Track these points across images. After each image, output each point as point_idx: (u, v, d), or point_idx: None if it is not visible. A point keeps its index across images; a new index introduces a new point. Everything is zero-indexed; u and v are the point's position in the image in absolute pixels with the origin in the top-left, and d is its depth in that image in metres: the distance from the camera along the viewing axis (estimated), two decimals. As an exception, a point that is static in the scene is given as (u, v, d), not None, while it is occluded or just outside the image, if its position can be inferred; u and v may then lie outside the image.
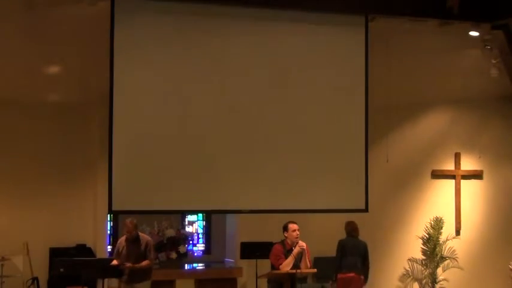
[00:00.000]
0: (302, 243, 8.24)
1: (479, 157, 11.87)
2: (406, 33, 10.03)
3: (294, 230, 8.28)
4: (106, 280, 10.97)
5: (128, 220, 9.00)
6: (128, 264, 8.86)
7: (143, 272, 9.03)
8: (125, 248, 9.00)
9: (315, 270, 9.08)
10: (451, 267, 11.93)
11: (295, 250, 8.16)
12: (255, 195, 9.36)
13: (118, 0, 8.79)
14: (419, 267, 12.06)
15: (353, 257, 9.58)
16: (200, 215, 14.10)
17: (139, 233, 9.18)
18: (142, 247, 9.00)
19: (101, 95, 9.70)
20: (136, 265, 8.90)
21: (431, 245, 11.95)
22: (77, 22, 9.11)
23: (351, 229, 9.68)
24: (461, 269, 11.93)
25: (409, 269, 12.12)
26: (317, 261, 11.34)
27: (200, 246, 14.24)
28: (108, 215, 11.84)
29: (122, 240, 9.17)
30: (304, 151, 9.52)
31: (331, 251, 11.86)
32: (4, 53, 9.54)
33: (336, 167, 9.63)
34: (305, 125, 9.56)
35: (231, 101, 9.32)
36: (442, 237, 11.97)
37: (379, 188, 11.38)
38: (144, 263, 8.98)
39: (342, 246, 9.59)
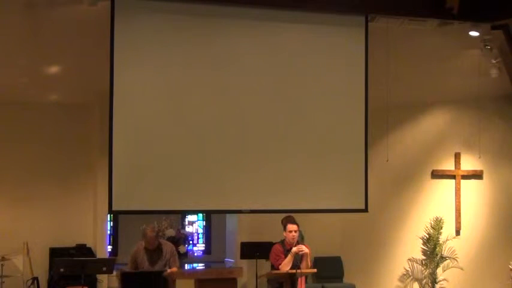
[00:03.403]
0: (301, 247, 8.18)
1: (479, 157, 11.86)
2: (406, 33, 10.02)
3: (291, 231, 8.19)
4: (106, 280, 11.03)
5: (148, 229, 8.43)
6: (169, 271, 8.21)
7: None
8: (145, 258, 8.41)
9: (315, 270, 9.08)
10: (451, 267, 11.93)
11: (294, 249, 8.12)
12: (255, 195, 9.34)
13: (118, 0, 8.78)
14: (419, 267, 12.06)
15: None
16: (200, 215, 14.14)
17: (161, 240, 8.71)
18: (168, 255, 8.49)
19: (101, 95, 9.70)
20: (174, 271, 8.36)
21: (431, 245, 11.95)
22: (77, 22, 9.10)
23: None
24: (461, 269, 11.94)
25: (409, 269, 12.13)
26: (317, 261, 11.37)
27: (200, 246, 14.28)
28: (108, 215, 11.87)
29: (139, 248, 8.48)
30: (304, 151, 9.50)
31: (331, 251, 11.93)
32: (4, 53, 9.53)
33: (335, 167, 9.61)
34: (305, 124, 9.54)
35: (231, 101, 9.31)
36: (442, 237, 11.98)
37: (379, 188, 11.39)
38: (174, 269, 8.47)
39: None
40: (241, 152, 9.29)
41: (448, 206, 12.33)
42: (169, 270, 8.35)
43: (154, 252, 8.46)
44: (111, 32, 8.75)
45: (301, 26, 9.53)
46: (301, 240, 9.49)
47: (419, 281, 12.04)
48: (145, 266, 8.43)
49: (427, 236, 12.02)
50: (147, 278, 8.10)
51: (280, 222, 8.78)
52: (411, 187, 12.40)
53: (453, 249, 12.00)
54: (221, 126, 9.23)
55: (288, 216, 9.05)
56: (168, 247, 8.62)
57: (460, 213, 12.33)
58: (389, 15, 9.69)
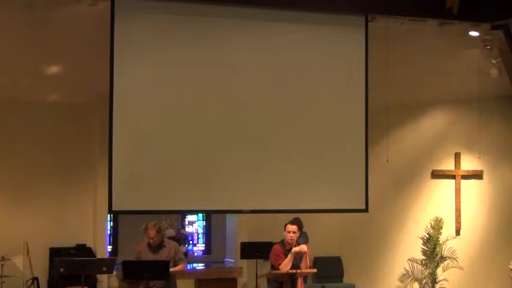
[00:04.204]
0: (303, 246, 8.20)
1: (479, 157, 11.87)
2: (406, 33, 10.02)
3: (289, 232, 8.18)
4: (106, 280, 11.04)
5: (151, 225, 8.39)
6: (171, 264, 8.20)
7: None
8: (148, 254, 8.35)
9: (315, 270, 9.08)
10: (451, 267, 11.93)
11: (294, 249, 8.13)
12: (255, 195, 9.34)
13: (118, 0, 8.79)
14: (419, 267, 12.06)
15: None
16: (200, 215, 14.13)
17: (164, 239, 8.67)
18: (171, 253, 8.43)
19: (101, 95, 9.71)
20: (176, 268, 8.37)
21: (431, 245, 11.95)
22: (77, 22, 9.10)
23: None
24: (461, 269, 11.94)
25: (409, 269, 12.13)
26: (317, 261, 11.37)
27: (200, 246, 14.27)
28: (108, 215, 11.86)
29: (142, 247, 8.45)
30: (304, 151, 9.50)
31: (331, 251, 11.93)
32: (4, 53, 9.53)
33: (336, 167, 9.61)
34: (305, 125, 9.54)
35: (231, 100, 9.31)
36: (442, 237, 11.98)
37: (379, 188, 11.38)
38: (180, 267, 8.47)
39: None
40: (242, 152, 9.29)
41: (448, 206, 12.33)
42: (176, 267, 8.34)
43: (157, 250, 8.43)
44: (111, 32, 8.75)
45: (301, 26, 9.53)
46: (304, 241, 9.51)
47: (419, 281, 12.05)
48: None
49: (427, 236, 12.02)
50: (149, 267, 8.10)
51: (280, 222, 8.78)
52: (411, 187, 12.40)
53: (453, 249, 12.00)
54: (221, 126, 9.24)
55: (294, 218, 9.08)
56: (171, 245, 8.60)
57: (460, 213, 12.33)
58: (389, 15, 9.69)
